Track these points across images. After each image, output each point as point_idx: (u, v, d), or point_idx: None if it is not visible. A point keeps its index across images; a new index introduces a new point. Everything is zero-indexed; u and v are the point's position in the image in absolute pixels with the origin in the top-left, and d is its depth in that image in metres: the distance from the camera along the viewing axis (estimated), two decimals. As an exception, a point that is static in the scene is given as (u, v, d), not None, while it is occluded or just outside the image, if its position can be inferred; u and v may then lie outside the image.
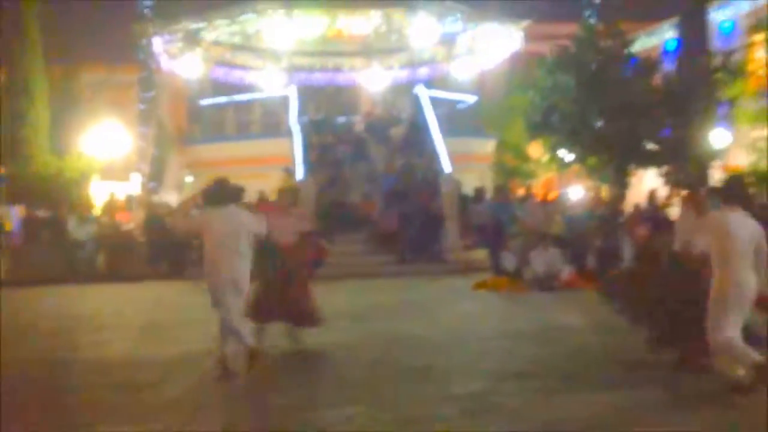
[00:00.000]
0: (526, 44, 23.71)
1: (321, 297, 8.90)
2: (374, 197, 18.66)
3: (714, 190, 7.80)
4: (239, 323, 7.28)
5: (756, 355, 6.14)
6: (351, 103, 27.09)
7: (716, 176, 21.28)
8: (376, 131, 22.28)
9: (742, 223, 6.27)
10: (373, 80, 26.39)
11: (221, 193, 7.55)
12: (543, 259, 13.89)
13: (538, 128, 21.80)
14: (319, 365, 7.86)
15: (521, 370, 7.46)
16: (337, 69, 25.84)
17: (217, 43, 22.88)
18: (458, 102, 24.64)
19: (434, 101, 22.48)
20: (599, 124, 20.54)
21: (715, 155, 21.11)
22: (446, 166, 19.35)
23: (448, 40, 24.14)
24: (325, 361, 8.01)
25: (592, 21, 22.16)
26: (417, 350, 8.55)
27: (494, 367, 7.59)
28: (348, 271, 15.43)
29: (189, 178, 25.36)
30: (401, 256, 16.81)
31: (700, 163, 20.34)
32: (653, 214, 16.95)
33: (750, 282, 6.16)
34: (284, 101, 22.40)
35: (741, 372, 6.35)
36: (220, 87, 25.00)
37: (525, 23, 23.26)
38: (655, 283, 7.73)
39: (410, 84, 23.96)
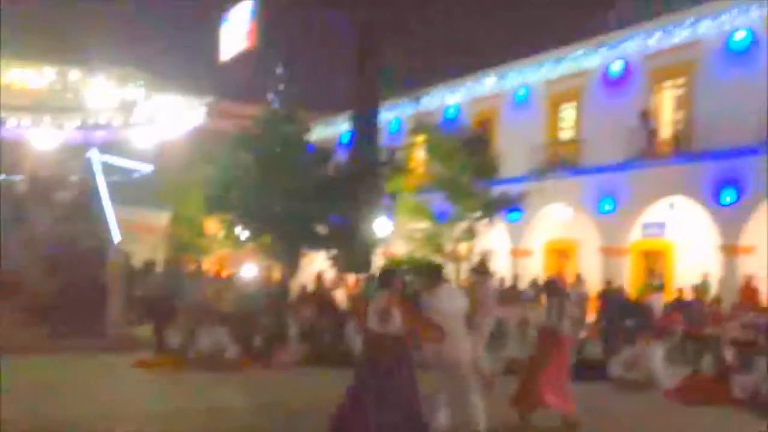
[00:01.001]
0: (208, 119, 23.88)
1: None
2: (32, 264, 17.11)
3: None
4: None
5: None
6: (14, 161, 24.90)
7: (378, 262, 22.90)
8: (40, 194, 20.64)
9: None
10: (43, 139, 24.61)
11: None
12: (210, 337, 13.69)
13: (216, 204, 21.85)
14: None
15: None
16: (1, 123, 23.70)
17: None
18: (134, 170, 23.93)
19: (108, 167, 21.59)
20: (275, 204, 21.17)
21: (378, 243, 22.74)
22: (115, 236, 18.49)
23: (128, 106, 23.46)
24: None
25: (275, 105, 22.94)
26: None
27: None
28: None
29: None
30: (58, 329, 15.49)
31: (365, 249, 21.76)
32: (320, 295, 17.70)
33: None
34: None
35: None
36: None
37: (209, 99, 23.46)
38: None
39: (84, 147, 22.74)
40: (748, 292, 18.51)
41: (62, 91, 21.82)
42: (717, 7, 21.08)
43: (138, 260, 18.19)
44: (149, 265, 17.73)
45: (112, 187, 20.59)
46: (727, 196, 20.38)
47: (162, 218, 23.55)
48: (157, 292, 15.56)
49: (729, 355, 13.20)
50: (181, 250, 25.33)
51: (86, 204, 20.02)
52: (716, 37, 21.27)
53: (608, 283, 19.66)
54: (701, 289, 18.93)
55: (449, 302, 7.57)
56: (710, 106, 21.02)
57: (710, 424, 9.66)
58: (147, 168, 24.14)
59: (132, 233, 19.59)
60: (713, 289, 19.78)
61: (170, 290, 15.33)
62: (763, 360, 11.50)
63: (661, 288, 20.37)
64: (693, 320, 15.94)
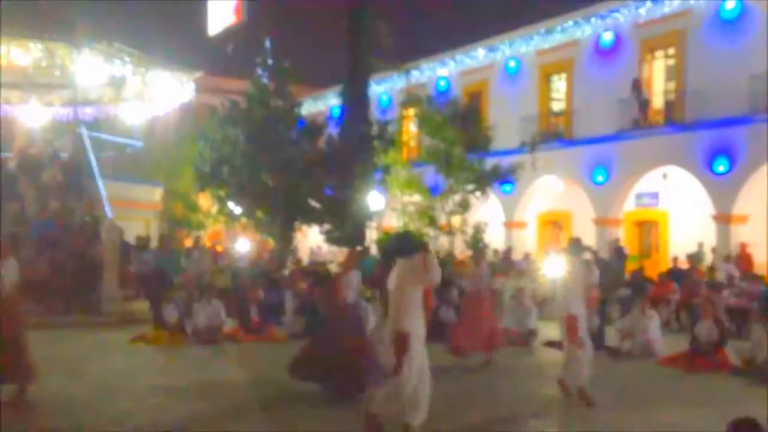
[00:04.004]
0: (197, 95, 23.66)
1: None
2: (23, 241, 16.99)
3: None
4: None
5: None
6: (3, 138, 24.65)
7: (372, 235, 22.88)
8: (30, 170, 20.48)
9: None
10: (31, 116, 24.36)
11: None
12: (206, 312, 13.66)
13: (207, 179, 21.74)
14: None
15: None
16: (-11, 100, 23.39)
17: None
18: (125, 146, 23.70)
19: (99, 143, 21.35)
20: (267, 179, 21.07)
21: (371, 216, 22.69)
22: (108, 212, 18.35)
23: (117, 82, 23.19)
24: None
25: (264, 80, 22.71)
26: (63, 411, 7.85)
27: (146, 426, 7.22)
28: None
29: None
30: (52, 306, 15.44)
31: (358, 223, 21.71)
32: (314, 269, 17.66)
33: None
34: None
35: None
36: None
37: (197, 74, 23.20)
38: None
39: (73, 123, 22.51)
40: (743, 260, 18.59)
41: (49, 68, 21.54)
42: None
43: (132, 236, 18.06)
44: (143, 241, 17.60)
45: (103, 163, 20.39)
46: (720, 166, 20.42)
47: (155, 194, 23.40)
48: (151, 268, 15.49)
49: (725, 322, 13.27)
50: (175, 225, 25.24)
51: (78, 180, 19.89)
52: (706, 6, 21.19)
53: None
54: (696, 258, 19.02)
55: None
56: (701, 76, 20.98)
57: (706, 391, 9.70)
58: (138, 143, 23.92)
59: (125, 209, 19.42)
60: (707, 258, 19.88)
61: (165, 266, 15.27)
62: (758, 327, 11.55)
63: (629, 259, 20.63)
64: (688, 289, 16.00)
